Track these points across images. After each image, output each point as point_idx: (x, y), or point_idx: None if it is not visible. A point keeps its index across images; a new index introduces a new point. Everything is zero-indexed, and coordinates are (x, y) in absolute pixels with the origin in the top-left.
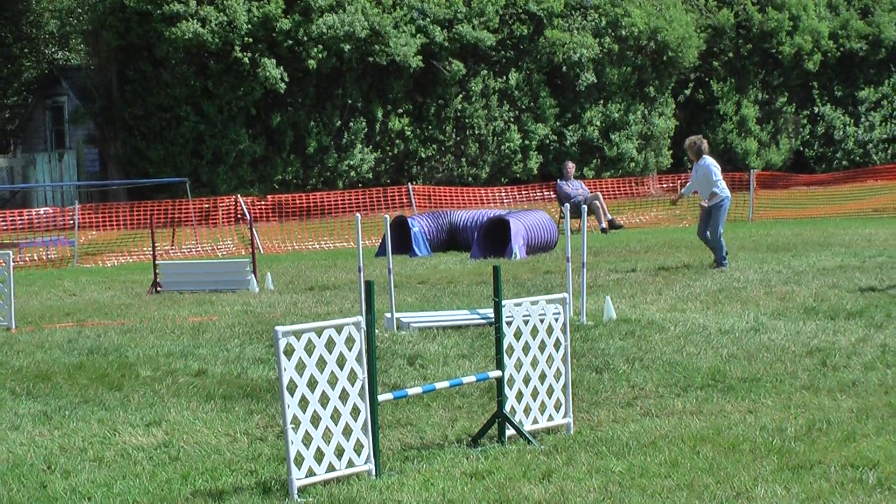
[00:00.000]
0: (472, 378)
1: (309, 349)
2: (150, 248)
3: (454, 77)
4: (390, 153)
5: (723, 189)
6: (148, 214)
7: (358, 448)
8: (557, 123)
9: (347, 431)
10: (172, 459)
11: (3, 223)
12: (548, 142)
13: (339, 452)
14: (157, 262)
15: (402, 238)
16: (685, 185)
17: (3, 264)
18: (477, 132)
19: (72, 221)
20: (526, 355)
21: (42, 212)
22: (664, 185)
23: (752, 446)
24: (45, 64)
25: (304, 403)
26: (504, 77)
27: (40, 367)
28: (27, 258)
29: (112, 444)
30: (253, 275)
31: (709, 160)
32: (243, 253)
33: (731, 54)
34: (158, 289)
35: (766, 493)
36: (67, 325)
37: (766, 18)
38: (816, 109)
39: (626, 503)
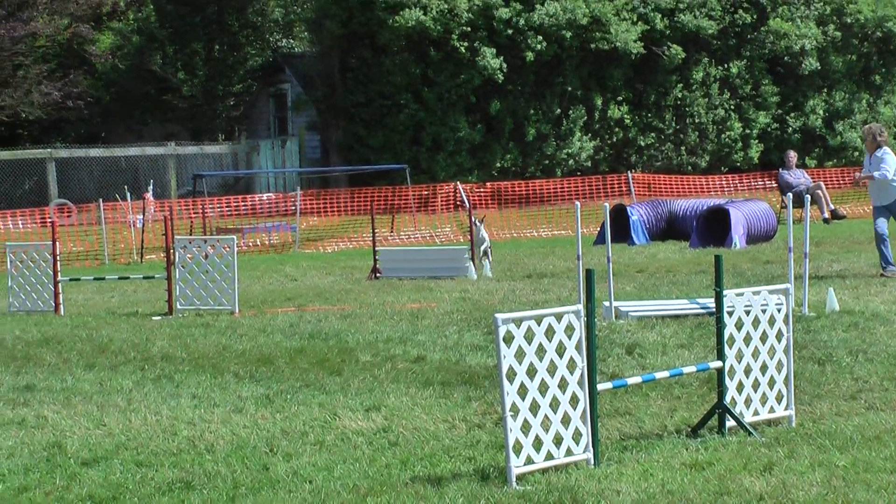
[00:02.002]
0: (693, 368)
1: (528, 337)
2: (369, 235)
3: (673, 62)
4: (609, 141)
5: None
6: (368, 201)
7: (576, 437)
8: (779, 112)
9: (566, 420)
10: (392, 444)
11: (228, 209)
12: (769, 130)
13: (558, 441)
14: (376, 248)
15: (620, 226)
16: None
17: (228, 249)
18: (697, 120)
19: (293, 207)
20: (747, 346)
21: (265, 197)
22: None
23: None
24: (269, 52)
25: (522, 391)
26: (725, 65)
27: (262, 351)
28: (250, 243)
29: (332, 428)
30: (471, 262)
31: (889, 153)
32: (461, 240)
33: None
34: (378, 275)
35: None
36: (289, 310)
37: None
38: None
39: (851, 498)
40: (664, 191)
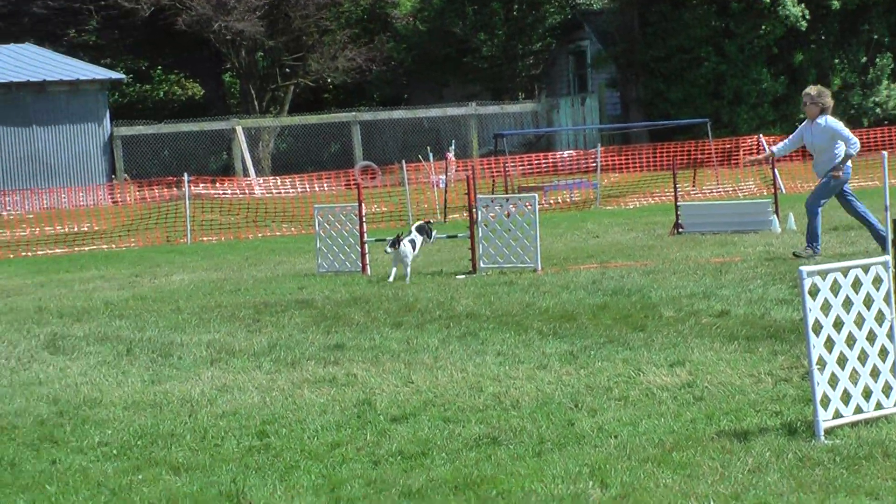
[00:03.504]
0: None
1: (834, 289)
2: (671, 190)
3: None
4: None
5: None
6: (669, 156)
7: (886, 390)
8: None
9: (875, 373)
10: (696, 399)
11: (529, 167)
12: None
13: (867, 394)
14: (678, 203)
15: None
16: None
17: (530, 207)
18: None
19: (594, 164)
20: None
21: (565, 155)
22: None
23: None
24: (567, 9)
25: (829, 344)
26: None
27: (565, 308)
28: (552, 201)
29: (636, 384)
30: (775, 215)
31: (832, 120)
32: (765, 193)
33: None
34: (680, 230)
35: None
36: (591, 267)
37: None
38: None
39: None
40: None
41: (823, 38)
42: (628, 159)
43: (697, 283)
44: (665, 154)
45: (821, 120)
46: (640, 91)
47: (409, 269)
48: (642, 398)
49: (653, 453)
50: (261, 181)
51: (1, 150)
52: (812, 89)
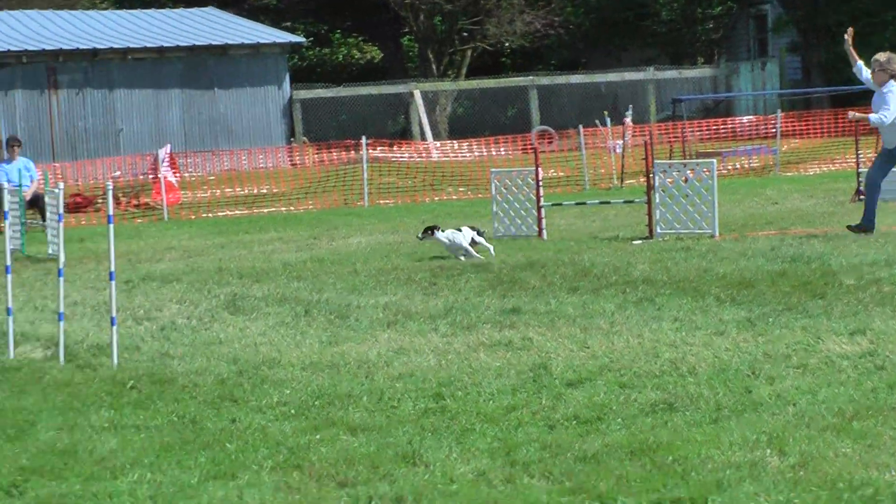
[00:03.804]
0: None
1: None
2: (853, 157)
3: None
4: None
5: None
6: (851, 122)
7: None
8: None
9: None
10: (878, 368)
11: (707, 132)
12: None
13: None
14: (860, 169)
15: None
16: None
17: (708, 173)
18: None
19: (774, 130)
20: None
21: (745, 120)
22: None
23: None
24: None
25: None
26: None
27: (743, 275)
28: (730, 167)
29: (815, 352)
30: None
31: (893, 89)
32: None
33: None
34: (861, 197)
35: None
36: (770, 233)
37: None
38: None
39: None
40: None
41: None
42: (809, 125)
43: (879, 251)
44: (847, 120)
45: (885, 88)
46: (822, 55)
47: (466, 252)
48: (822, 366)
49: (832, 422)
50: (438, 145)
51: (183, 113)
52: (882, 55)
